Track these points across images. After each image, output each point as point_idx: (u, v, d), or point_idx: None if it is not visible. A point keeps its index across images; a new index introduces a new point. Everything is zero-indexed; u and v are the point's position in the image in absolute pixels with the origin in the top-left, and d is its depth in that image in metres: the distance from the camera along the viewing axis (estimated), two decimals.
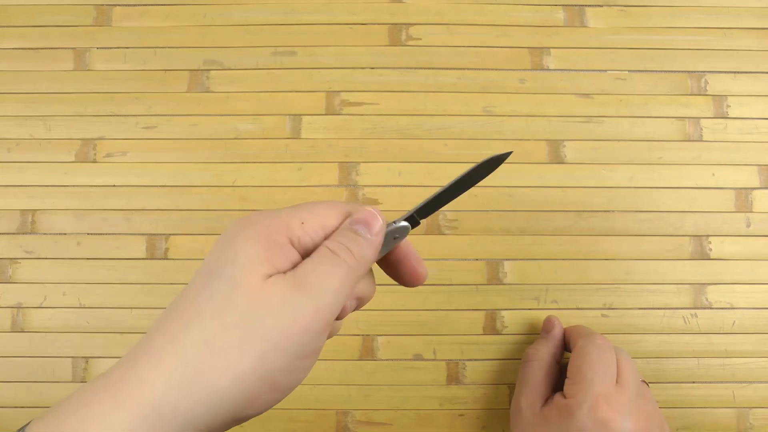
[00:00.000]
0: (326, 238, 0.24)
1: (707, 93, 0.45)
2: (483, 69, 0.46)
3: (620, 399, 0.32)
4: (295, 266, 0.23)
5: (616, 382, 0.33)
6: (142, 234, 0.44)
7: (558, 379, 0.38)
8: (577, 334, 0.39)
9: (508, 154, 0.27)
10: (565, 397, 0.34)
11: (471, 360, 0.43)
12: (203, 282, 0.22)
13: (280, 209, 0.24)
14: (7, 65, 0.45)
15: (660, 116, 0.45)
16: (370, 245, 0.24)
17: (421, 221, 0.27)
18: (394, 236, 0.26)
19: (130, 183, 0.44)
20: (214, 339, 0.20)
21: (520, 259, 0.43)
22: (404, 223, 0.26)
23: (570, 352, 0.39)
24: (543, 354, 0.38)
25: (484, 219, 0.44)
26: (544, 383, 0.37)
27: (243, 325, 0.21)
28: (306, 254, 0.24)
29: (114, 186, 0.44)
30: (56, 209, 0.44)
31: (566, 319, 0.42)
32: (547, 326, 0.41)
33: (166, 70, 0.45)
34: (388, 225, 0.26)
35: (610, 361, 0.34)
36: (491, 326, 0.43)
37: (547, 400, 0.36)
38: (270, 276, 0.22)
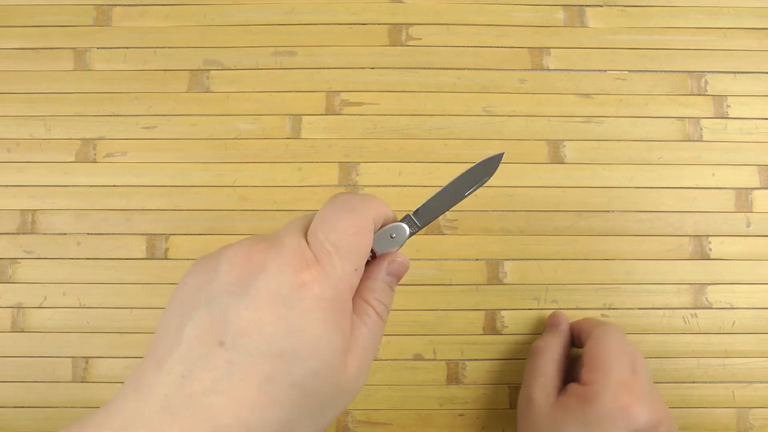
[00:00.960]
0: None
1: (707, 93, 0.45)
2: (483, 69, 0.46)
3: (638, 387, 0.32)
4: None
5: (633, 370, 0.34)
6: (142, 234, 0.44)
7: (567, 371, 0.38)
8: (589, 324, 0.39)
9: (501, 155, 0.27)
10: (582, 384, 0.34)
11: (471, 360, 0.43)
12: (276, 366, 0.19)
13: (332, 262, 0.21)
14: (8, 65, 0.45)
15: (660, 116, 0.45)
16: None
17: (422, 226, 0.27)
18: (390, 234, 0.26)
19: (130, 183, 0.44)
20: (290, 425, 0.20)
21: (520, 259, 0.43)
22: (402, 225, 0.26)
23: (577, 347, 0.39)
24: (554, 346, 0.38)
25: (484, 219, 0.44)
26: (558, 374, 0.37)
27: (320, 414, 0.21)
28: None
29: (114, 186, 0.44)
30: (56, 209, 0.44)
31: None
32: (554, 321, 0.41)
33: (166, 70, 0.45)
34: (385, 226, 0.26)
35: (628, 350, 0.35)
36: (491, 326, 0.43)
37: (560, 390, 0.36)
38: (347, 364, 0.22)
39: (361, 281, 0.24)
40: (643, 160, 0.44)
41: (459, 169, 0.45)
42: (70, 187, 0.44)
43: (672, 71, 0.46)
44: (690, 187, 0.44)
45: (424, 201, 0.27)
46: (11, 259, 0.43)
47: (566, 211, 0.44)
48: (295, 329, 0.19)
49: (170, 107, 0.45)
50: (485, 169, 0.27)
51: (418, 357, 0.43)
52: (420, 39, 0.46)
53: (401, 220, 0.26)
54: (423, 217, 0.26)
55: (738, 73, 0.46)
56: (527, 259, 0.43)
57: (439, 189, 0.27)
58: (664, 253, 0.43)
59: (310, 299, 0.20)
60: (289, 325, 0.19)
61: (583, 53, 0.46)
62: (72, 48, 0.46)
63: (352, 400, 0.22)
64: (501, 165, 0.45)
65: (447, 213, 0.44)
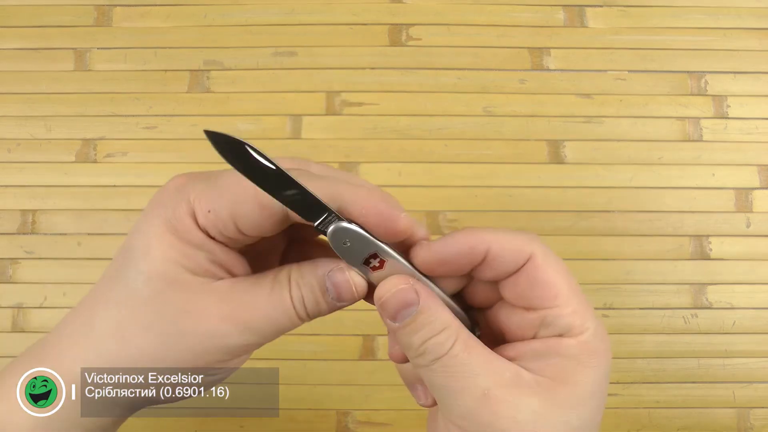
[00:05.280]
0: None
1: (707, 93, 0.45)
2: (483, 69, 0.46)
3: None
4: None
5: None
6: None
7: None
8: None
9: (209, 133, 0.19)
10: (571, 336, 0.21)
11: None
12: (116, 262, 0.22)
13: (188, 191, 0.20)
14: (8, 65, 0.45)
15: (660, 116, 0.45)
16: (330, 309, 0.21)
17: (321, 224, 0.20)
18: (344, 241, 0.20)
19: (131, 183, 0.44)
20: (121, 329, 0.21)
21: None
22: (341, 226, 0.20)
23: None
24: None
25: (484, 219, 0.44)
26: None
27: (164, 334, 0.20)
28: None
29: (114, 186, 0.44)
30: (57, 209, 0.44)
31: None
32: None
33: (166, 70, 0.46)
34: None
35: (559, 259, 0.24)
36: None
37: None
38: (204, 294, 0.21)
39: (306, 259, 0.21)
40: (643, 160, 0.44)
41: (459, 169, 0.46)
42: (71, 187, 0.44)
43: (672, 71, 0.46)
44: (690, 187, 0.44)
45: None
46: (11, 259, 0.43)
47: (566, 211, 0.44)
48: (136, 229, 0.21)
49: (170, 107, 0.45)
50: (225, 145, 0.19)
51: None
52: (420, 39, 0.46)
53: (323, 221, 0.20)
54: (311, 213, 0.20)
55: (738, 73, 0.46)
56: None
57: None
58: (664, 253, 0.43)
59: (152, 209, 0.21)
60: (136, 225, 0.21)
61: (583, 53, 0.46)
62: (72, 48, 0.46)
63: (220, 351, 0.20)
64: (501, 165, 0.45)
65: (447, 213, 0.44)
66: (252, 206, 0.19)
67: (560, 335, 0.19)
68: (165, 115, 0.45)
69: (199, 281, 0.20)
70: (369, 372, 0.42)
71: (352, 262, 0.20)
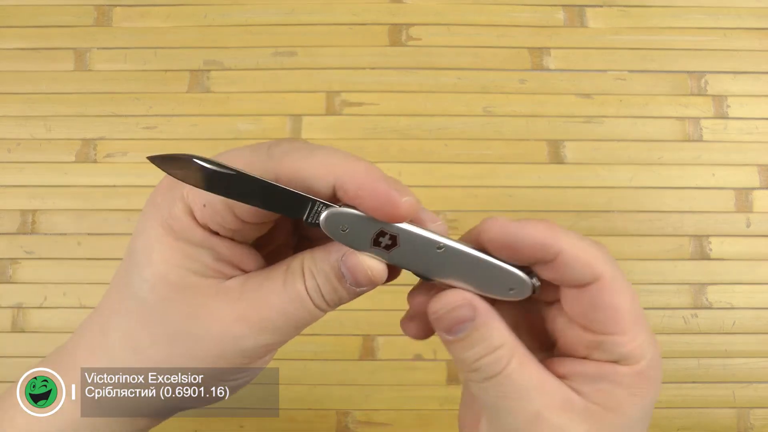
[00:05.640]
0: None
1: (707, 93, 0.45)
2: (483, 69, 0.46)
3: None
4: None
5: None
6: None
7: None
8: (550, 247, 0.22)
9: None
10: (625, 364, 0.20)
11: None
12: (122, 268, 0.22)
13: (182, 188, 0.19)
14: (8, 65, 0.45)
15: (660, 116, 0.45)
16: (351, 296, 0.20)
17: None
18: (341, 227, 0.18)
19: (131, 183, 0.44)
20: (132, 338, 0.21)
21: None
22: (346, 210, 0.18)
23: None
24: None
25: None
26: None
27: (172, 341, 0.20)
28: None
29: (114, 186, 0.44)
30: (57, 209, 0.44)
31: None
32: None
33: (166, 70, 0.46)
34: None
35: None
36: None
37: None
38: (212, 298, 0.19)
39: (315, 248, 0.20)
40: (643, 160, 0.44)
41: (458, 169, 0.46)
42: (71, 187, 0.44)
43: (672, 71, 0.46)
44: (690, 187, 0.44)
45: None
46: (11, 259, 0.43)
47: (566, 211, 0.44)
48: (137, 231, 0.20)
49: (170, 107, 0.45)
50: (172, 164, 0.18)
51: (418, 357, 0.43)
52: (420, 39, 0.46)
53: (310, 213, 0.18)
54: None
55: (738, 73, 0.46)
56: None
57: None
58: (664, 253, 0.43)
59: (148, 210, 0.20)
60: (137, 227, 0.20)
61: (583, 53, 0.46)
62: (72, 48, 0.46)
63: (237, 355, 0.19)
64: (501, 165, 0.46)
65: (447, 213, 0.44)
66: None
67: (615, 362, 0.19)
68: (165, 115, 0.45)
69: (207, 283, 0.19)
70: (369, 372, 0.42)
71: (359, 247, 0.19)
